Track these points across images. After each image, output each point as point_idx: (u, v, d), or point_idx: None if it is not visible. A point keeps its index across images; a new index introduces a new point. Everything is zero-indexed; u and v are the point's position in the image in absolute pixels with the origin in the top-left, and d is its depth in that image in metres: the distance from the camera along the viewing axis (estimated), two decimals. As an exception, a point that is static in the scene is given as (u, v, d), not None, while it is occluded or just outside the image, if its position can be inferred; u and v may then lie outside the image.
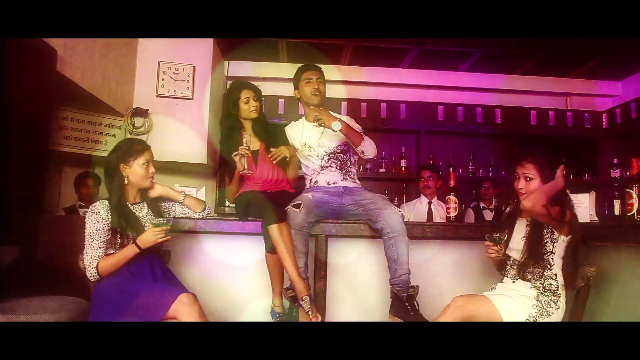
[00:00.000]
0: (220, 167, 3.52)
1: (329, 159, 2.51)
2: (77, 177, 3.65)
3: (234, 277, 2.52)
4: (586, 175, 4.78)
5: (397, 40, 4.12)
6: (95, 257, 1.91)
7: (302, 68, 2.59)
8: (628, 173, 2.53)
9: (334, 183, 2.48)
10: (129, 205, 2.05)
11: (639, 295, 2.03)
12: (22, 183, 2.35)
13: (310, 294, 2.10)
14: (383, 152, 4.68)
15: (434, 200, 3.69)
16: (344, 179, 2.50)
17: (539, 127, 4.79)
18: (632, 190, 2.39)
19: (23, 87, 2.34)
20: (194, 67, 3.83)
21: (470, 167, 4.77)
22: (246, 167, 2.40)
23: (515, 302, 1.92)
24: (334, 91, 4.61)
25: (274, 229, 2.10)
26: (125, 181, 2.02)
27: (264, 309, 2.36)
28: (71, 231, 2.37)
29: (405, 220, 2.27)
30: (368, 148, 2.44)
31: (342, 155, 2.53)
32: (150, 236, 1.92)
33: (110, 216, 1.95)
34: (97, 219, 1.93)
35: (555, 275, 1.95)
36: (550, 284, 1.94)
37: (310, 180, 2.56)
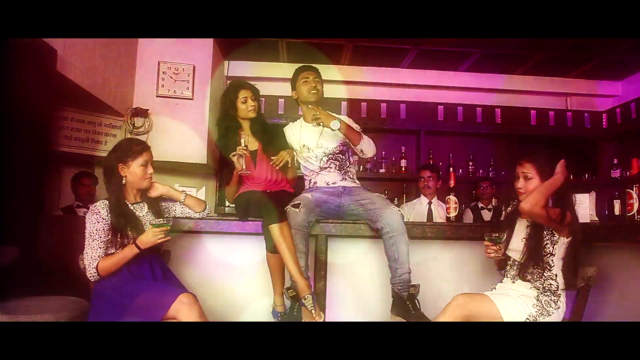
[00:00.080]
0: (222, 169, 3.51)
1: (328, 160, 2.51)
2: (73, 177, 3.65)
3: (233, 277, 2.52)
4: (586, 175, 4.78)
5: (397, 41, 4.12)
6: (95, 257, 1.90)
7: (299, 69, 2.60)
8: (628, 173, 2.53)
9: (333, 183, 2.48)
10: (129, 205, 2.04)
11: (639, 295, 2.03)
12: (22, 183, 2.34)
13: (313, 292, 2.10)
14: (383, 152, 4.68)
15: (434, 200, 3.68)
16: (343, 179, 2.50)
17: (539, 127, 4.79)
18: (632, 190, 2.39)
19: (23, 87, 2.34)
20: (194, 67, 3.83)
21: (470, 167, 4.76)
22: (244, 167, 2.40)
23: (516, 301, 1.92)
24: (334, 91, 4.61)
25: (275, 228, 2.10)
26: (124, 181, 2.02)
27: (265, 309, 2.37)
28: (71, 231, 2.37)
29: (405, 220, 2.27)
30: (367, 147, 2.44)
31: (341, 155, 2.53)
32: (150, 237, 1.92)
33: (110, 216, 1.95)
34: (97, 218, 1.93)
35: (555, 275, 1.95)
36: (550, 284, 1.94)
37: (310, 180, 2.56)
